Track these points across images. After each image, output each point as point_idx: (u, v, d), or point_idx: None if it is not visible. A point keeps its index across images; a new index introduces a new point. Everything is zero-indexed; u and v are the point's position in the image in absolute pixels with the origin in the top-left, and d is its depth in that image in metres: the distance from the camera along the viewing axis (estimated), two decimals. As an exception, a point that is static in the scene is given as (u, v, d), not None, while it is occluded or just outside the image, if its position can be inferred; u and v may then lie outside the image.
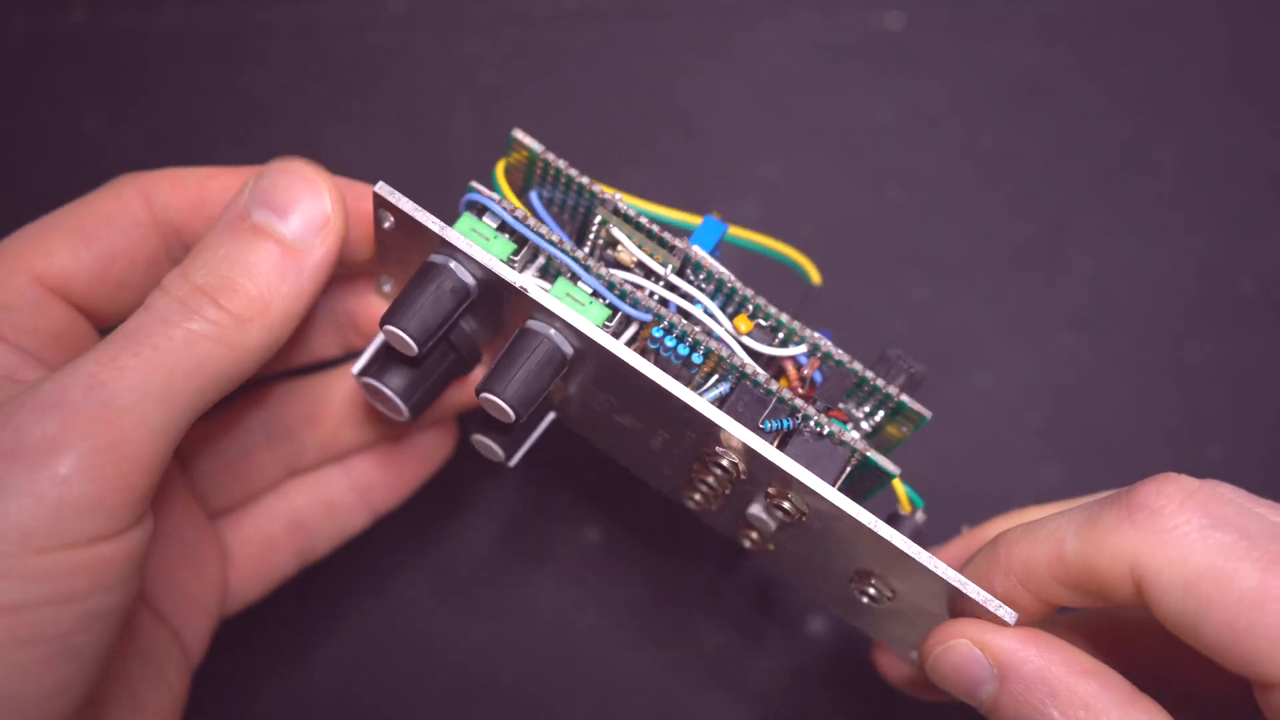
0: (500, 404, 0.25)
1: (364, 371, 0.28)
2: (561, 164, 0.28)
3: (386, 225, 0.27)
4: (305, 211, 0.26)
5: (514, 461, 0.28)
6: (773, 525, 0.28)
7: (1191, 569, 0.22)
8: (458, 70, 0.41)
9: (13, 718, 0.21)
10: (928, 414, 0.29)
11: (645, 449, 0.28)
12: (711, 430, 0.26)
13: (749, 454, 0.26)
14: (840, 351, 0.28)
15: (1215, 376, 0.39)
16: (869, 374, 0.28)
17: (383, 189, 0.26)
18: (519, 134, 0.28)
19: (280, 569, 0.33)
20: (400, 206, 0.26)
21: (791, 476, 0.26)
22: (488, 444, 0.28)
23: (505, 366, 0.26)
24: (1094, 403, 0.40)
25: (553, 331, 0.26)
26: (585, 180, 0.28)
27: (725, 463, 0.26)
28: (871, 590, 0.28)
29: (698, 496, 0.28)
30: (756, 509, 0.28)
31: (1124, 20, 0.40)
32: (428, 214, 0.26)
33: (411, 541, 0.39)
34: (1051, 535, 0.25)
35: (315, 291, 0.26)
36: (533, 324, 0.26)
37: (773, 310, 0.29)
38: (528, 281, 0.25)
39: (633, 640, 0.38)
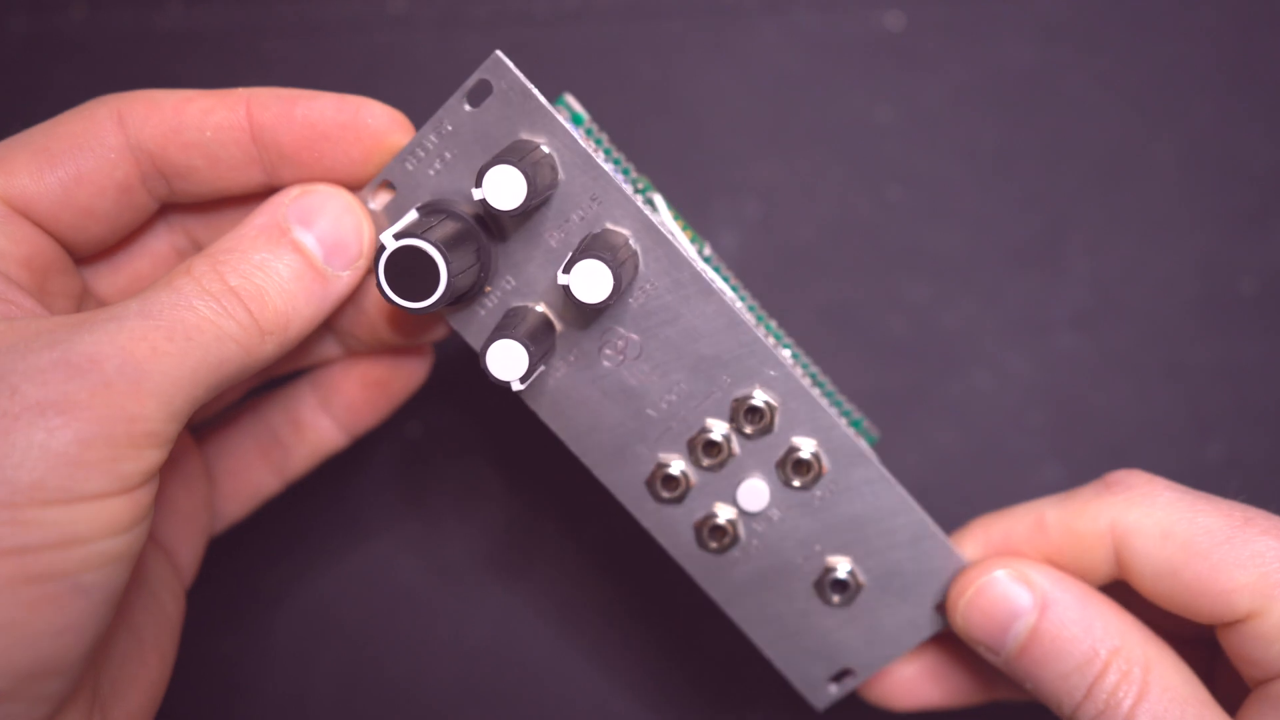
0: (603, 272, 0.25)
1: (405, 234, 0.25)
2: (604, 136, 0.29)
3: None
4: (344, 242, 0.26)
5: (526, 383, 0.26)
6: (764, 501, 0.28)
7: (1166, 519, 0.25)
8: (458, 70, 0.41)
9: (28, 652, 0.21)
10: (877, 434, 0.32)
11: (631, 422, 0.28)
12: (767, 360, 0.27)
13: (796, 391, 0.27)
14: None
15: (1215, 376, 0.39)
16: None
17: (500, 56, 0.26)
18: (570, 98, 0.29)
19: (260, 486, 0.32)
20: (519, 76, 0.26)
21: (831, 418, 0.28)
22: (513, 351, 0.26)
23: (594, 251, 0.25)
24: (1094, 403, 0.40)
25: (631, 238, 0.26)
26: (621, 156, 0.29)
27: (761, 402, 0.27)
28: (841, 575, 0.28)
29: (678, 472, 0.28)
30: (754, 481, 0.28)
31: (1124, 20, 0.40)
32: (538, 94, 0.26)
33: (412, 540, 0.39)
34: (1030, 509, 0.27)
35: (324, 318, 0.26)
36: (610, 225, 0.27)
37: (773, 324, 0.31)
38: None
39: (633, 641, 0.38)
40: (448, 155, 0.27)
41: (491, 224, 0.27)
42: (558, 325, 0.28)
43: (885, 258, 0.40)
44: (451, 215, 0.27)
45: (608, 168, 0.27)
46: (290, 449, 0.32)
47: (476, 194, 0.25)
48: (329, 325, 0.30)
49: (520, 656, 0.38)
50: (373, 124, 0.27)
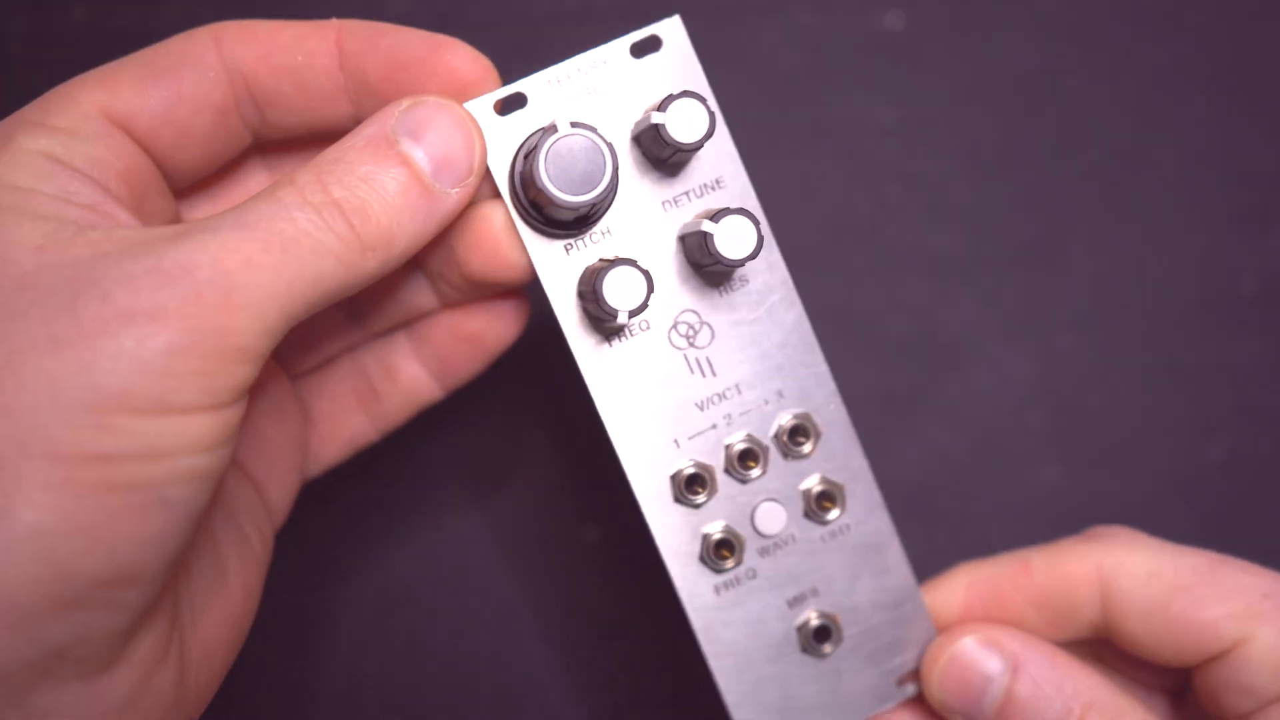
0: (749, 231, 0.26)
1: (578, 124, 0.25)
2: None
3: None
4: (454, 157, 0.26)
5: (633, 318, 0.26)
6: (779, 526, 0.28)
7: (1152, 559, 0.26)
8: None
9: (107, 559, 0.21)
10: None
11: (676, 410, 0.28)
12: (826, 388, 0.28)
13: (841, 426, 0.28)
14: None
15: (1215, 376, 0.39)
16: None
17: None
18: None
19: (357, 433, 0.32)
20: (689, 46, 0.27)
21: (864, 463, 0.28)
22: (634, 281, 0.26)
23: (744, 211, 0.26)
24: (1094, 403, 0.40)
25: None
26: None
27: (809, 425, 0.28)
28: (825, 625, 0.28)
29: (705, 474, 0.28)
30: (774, 505, 0.28)
31: (1124, 20, 0.40)
32: None
33: (415, 539, 0.39)
34: (1015, 557, 0.28)
35: (429, 239, 0.26)
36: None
37: None
38: None
39: (636, 644, 0.38)
40: (591, 89, 0.27)
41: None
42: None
43: (885, 258, 0.40)
44: (601, 137, 0.26)
45: (742, 166, 0.27)
46: (386, 398, 0.32)
47: (656, 117, 0.25)
48: (424, 269, 0.30)
49: (521, 656, 0.38)
50: (455, 63, 0.26)
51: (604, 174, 0.25)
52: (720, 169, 0.27)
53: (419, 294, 0.31)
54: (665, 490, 0.28)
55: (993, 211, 0.40)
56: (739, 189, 0.28)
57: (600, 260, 0.27)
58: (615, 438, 0.28)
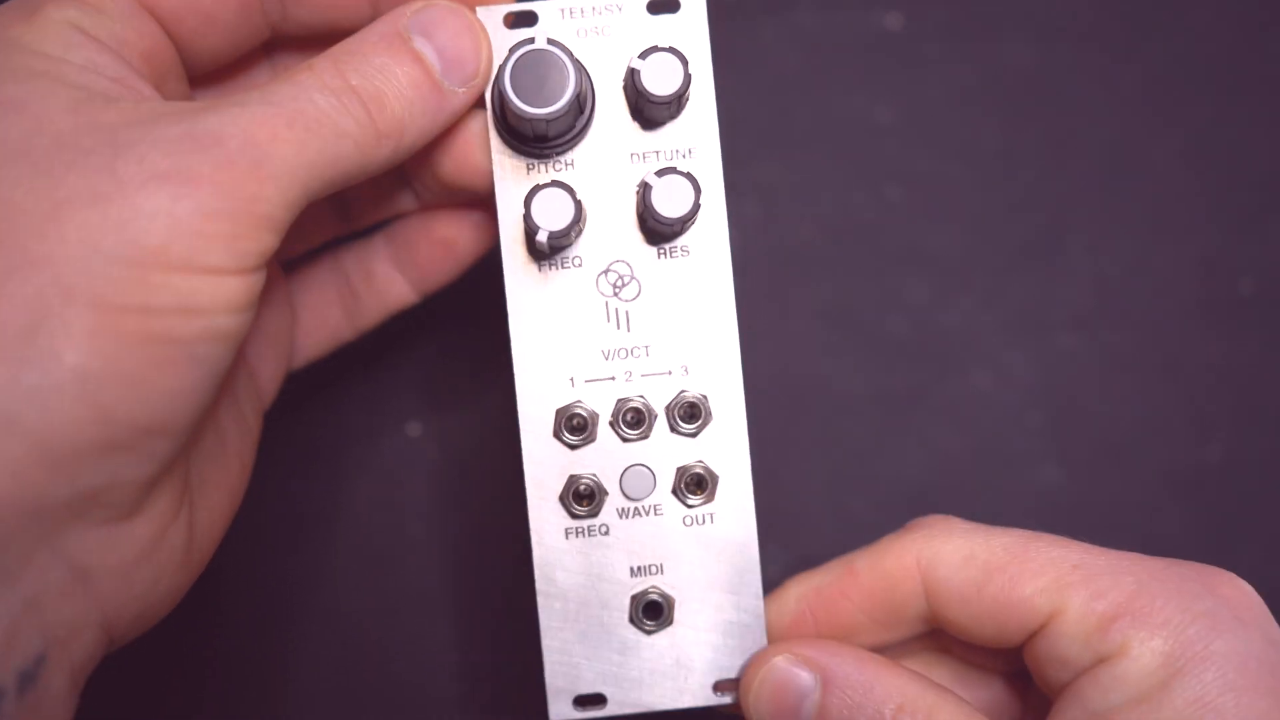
0: (688, 194, 0.27)
1: (553, 41, 0.27)
2: None
3: None
4: (463, 58, 0.27)
5: (551, 242, 0.27)
6: (644, 493, 0.28)
7: (965, 545, 0.27)
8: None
9: (145, 407, 0.23)
10: None
11: (582, 353, 0.28)
12: (731, 380, 0.28)
13: (734, 421, 0.28)
14: None
15: (1215, 376, 0.39)
16: None
17: None
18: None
19: (336, 329, 0.33)
20: (704, 19, 0.28)
21: (746, 460, 0.28)
22: (563, 205, 0.27)
23: (689, 176, 0.27)
24: (1094, 403, 0.40)
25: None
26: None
27: (701, 406, 0.28)
28: (659, 601, 0.28)
29: (589, 419, 0.28)
30: (645, 471, 0.28)
31: (1124, 20, 0.40)
32: None
33: (412, 538, 0.39)
34: (840, 561, 0.29)
35: (435, 134, 0.27)
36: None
37: None
38: None
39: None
40: (599, 29, 0.28)
41: (589, 106, 0.28)
42: (584, 225, 0.28)
43: (885, 258, 0.40)
44: (582, 70, 0.27)
45: (718, 144, 0.28)
46: (363, 299, 0.33)
47: (634, 63, 0.26)
48: (403, 168, 0.31)
49: (523, 655, 0.38)
50: None
51: (565, 92, 0.26)
52: (695, 138, 0.28)
53: (399, 193, 0.32)
54: (548, 422, 0.28)
55: (993, 211, 0.40)
56: (708, 161, 0.28)
57: (550, 180, 0.28)
58: (516, 356, 0.28)
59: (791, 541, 0.39)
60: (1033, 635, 0.27)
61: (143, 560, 0.24)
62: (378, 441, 0.39)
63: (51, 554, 0.23)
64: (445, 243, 0.32)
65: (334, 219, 0.33)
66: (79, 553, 0.23)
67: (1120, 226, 0.40)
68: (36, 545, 0.22)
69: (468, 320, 0.35)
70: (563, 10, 0.28)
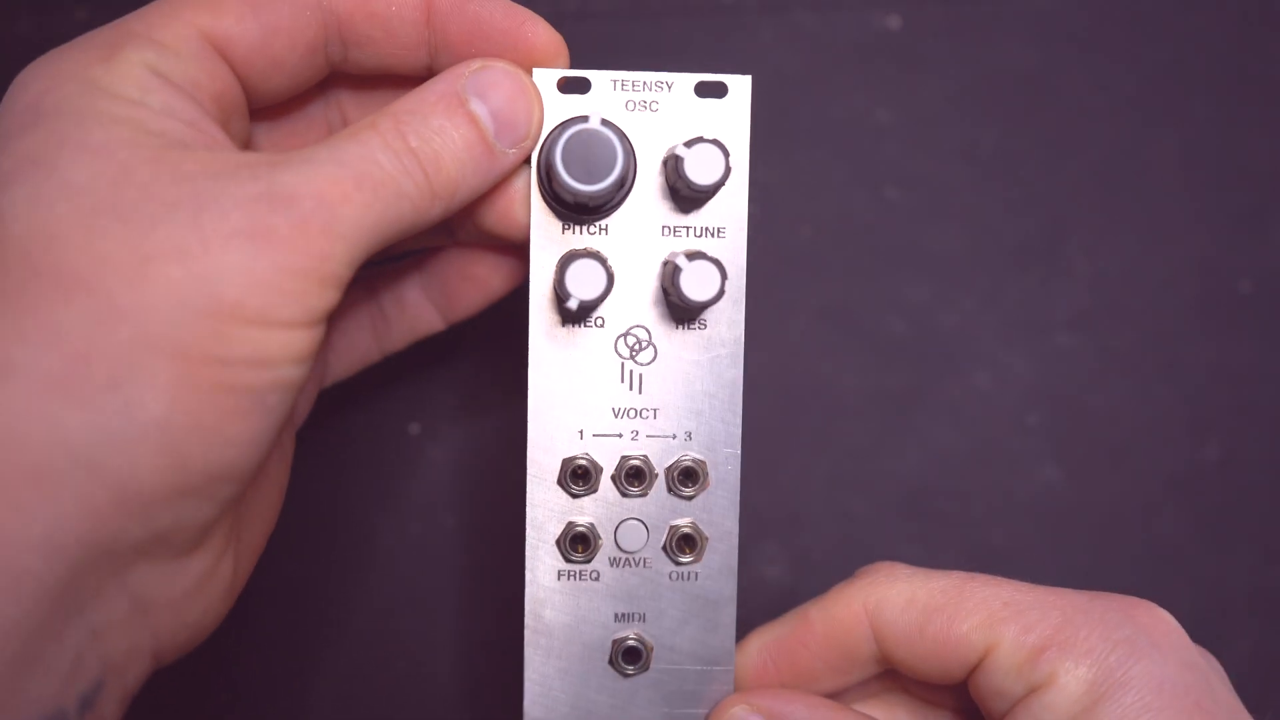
0: (715, 281, 0.28)
1: (607, 122, 0.28)
2: None
3: None
4: (516, 121, 0.28)
5: (578, 309, 0.28)
6: (636, 547, 0.30)
7: (907, 589, 0.29)
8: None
9: (217, 455, 0.24)
10: None
11: (593, 409, 0.30)
12: (731, 444, 0.30)
13: (729, 485, 0.30)
14: None
15: (1215, 376, 0.39)
16: None
17: None
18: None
19: (365, 352, 0.34)
20: (748, 109, 0.29)
21: (735, 527, 0.30)
22: (595, 275, 0.28)
23: (718, 262, 0.29)
24: (1094, 403, 0.40)
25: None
26: None
27: (699, 470, 0.29)
28: (636, 647, 0.30)
29: (593, 471, 0.29)
30: (640, 527, 0.30)
31: (1123, 20, 0.40)
32: None
33: (413, 539, 0.39)
34: (795, 612, 0.31)
35: (484, 192, 0.28)
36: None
37: None
38: None
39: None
40: (647, 104, 0.29)
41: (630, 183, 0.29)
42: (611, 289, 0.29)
43: (885, 258, 0.40)
44: (627, 145, 0.28)
45: (745, 228, 0.29)
46: (393, 324, 0.34)
47: (679, 150, 0.27)
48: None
49: (522, 654, 0.38)
50: (532, 38, 0.28)
51: (611, 173, 0.27)
52: (727, 222, 0.29)
53: (438, 231, 0.33)
54: (554, 469, 0.30)
55: (992, 211, 0.40)
56: (735, 243, 0.29)
57: (578, 249, 0.29)
58: (531, 404, 0.30)
59: (791, 541, 0.39)
60: (973, 671, 0.28)
61: (196, 592, 0.26)
62: (378, 441, 0.39)
63: (118, 588, 0.24)
64: (475, 279, 0.33)
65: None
66: (141, 587, 0.24)
67: (1119, 226, 0.40)
68: (106, 581, 0.23)
69: (468, 321, 0.35)
70: (615, 82, 0.29)
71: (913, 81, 0.40)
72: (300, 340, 0.24)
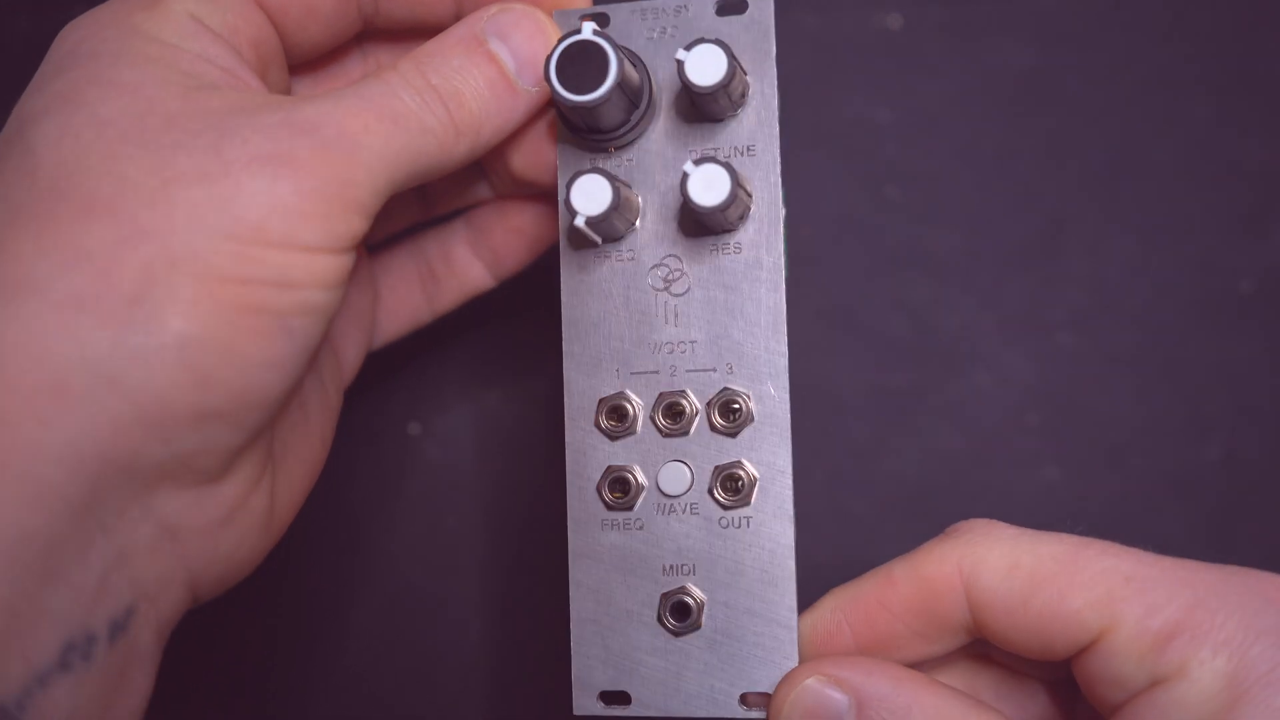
0: (724, 182, 0.26)
1: (599, 33, 0.27)
2: None
3: None
4: (535, 59, 0.28)
5: (588, 226, 0.27)
6: (679, 490, 0.28)
7: (1011, 553, 0.26)
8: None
9: (241, 376, 0.24)
10: None
11: (630, 343, 0.29)
12: (777, 378, 0.28)
13: (778, 420, 0.28)
14: None
15: (1213, 376, 0.39)
16: None
17: None
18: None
19: (415, 311, 0.35)
20: (772, 19, 0.29)
21: (788, 464, 0.28)
22: (600, 188, 0.27)
23: (727, 166, 0.27)
24: (1094, 403, 0.40)
25: (754, 196, 0.29)
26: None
27: (743, 405, 0.28)
28: (688, 603, 0.27)
29: (630, 410, 0.28)
30: (683, 469, 0.28)
31: (1123, 20, 0.40)
32: None
33: (412, 539, 0.39)
34: (879, 570, 0.27)
35: (510, 131, 0.29)
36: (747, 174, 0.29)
37: None
38: None
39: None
40: (668, 31, 0.29)
41: (655, 103, 0.29)
42: (637, 220, 0.29)
43: (885, 258, 0.40)
44: (640, 65, 0.28)
45: (777, 143, 0.28)
46: (442, 282, 0.34)
47: (679, 53, 0.27)
48: (480, 162, 0.32)
49: (521, 654, 0.39)
50: None
51: (605, 81, 0.26)
52: (756, 137, 0.28)
53: (476, 183, 0.34)
54: (590, 410, 0.28)
55: (992, 211, 0.40)
56: (765, 164, 0.28)
57: (591, 166, 0.28)
58: (566, 344, 0.29)
59: (791, 541, 0.39)
60: (1082, 651, 0.25)
61: (227, 523, 0.26)
62: (378, 441, 0.39)
63: (143, 511, 0.24)
64: (518, 231, 0.33)
65: (415, 206, 0.35)
66: (168, 512, 0.24)
67: (1120, 226, 0.40)
68: (129, 501, 0.24)
69: (468, 320, 0.35)
70: (633, 11, 0.29)
71: (913, 81, 0.40)
72: (325, 265, 0.25)
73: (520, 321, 0.39)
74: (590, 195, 0.27)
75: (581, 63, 0.27)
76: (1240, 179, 0.40)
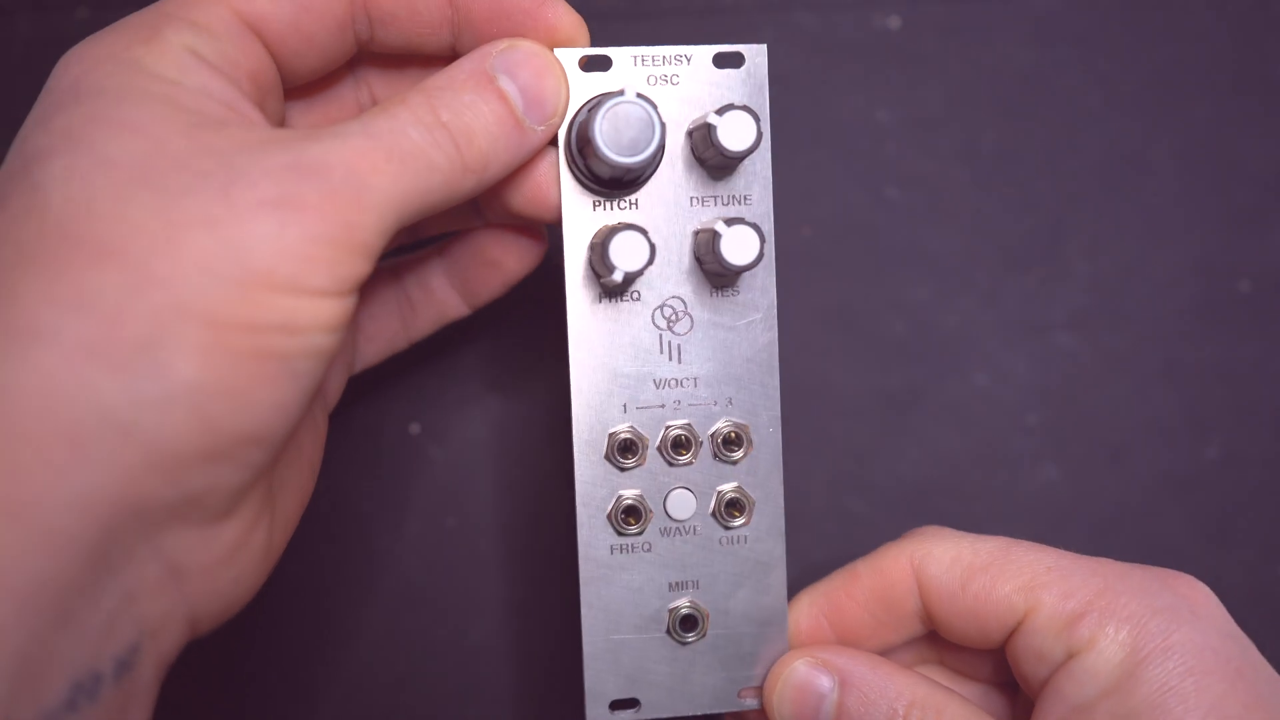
0: (754, 244, 0.28)
1: (643, 96, 0.28)
2: None
3: None
4: (543, 97, 0.29)
5: (623, 280, 0.29)
6: (686, 515, 0.30)
7: (954, 549, 0.30)
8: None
9: (244, 419, 0.24)
10: None
11: (635, 380, 0.30)
12: (771, 412, 0.30)
13: (771, 450, 0.30)
14: None
15: (1215, 376, 0.39)
16: None
17: None
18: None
19: (393, 338, 0.35)
20: (765, 75, 0.30)
21: (779, 489, 0.30)
22: (639, 247, 0.28)
23: (755, 226, 0.29)
24: (1093, 403, 0.40)
25: None
26: None
27: (738, 437, 0.30)
28: (693, 614, 0.30)
29: (639, 443, 0.30)
30: (687, 495, 0.30)
31: (1123, 20, 0.40)
32: None
33: (412, 539, 0.39)
34: (845, 570, 0.31)
35: (514, 168, 0.29)
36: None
37: None
38: None
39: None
40: (667, 78, 0.30)
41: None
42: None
43: (885, 258, 0.40)
44: (659, 114, 0.29)
45: (771, 192, 0.30)
46: (419, 310, 0.35)
47: (711, 119, 0.28)
48: (476, 197, 0.32)
49: (523, 654, 0.39)
50: (553, 19, 0.29)
51: (650, 145, 0.28)
52: (752, 188, 0.30)
53: (466, 213, 0.34)
54: (600, 444, 0.30)
55: (992, 212, 0.40)
56: (761, 210, 0.30)
57: (620, 223, 0.29)
58: (574, 381, 0.30)
59: (791, 541, 0.39)
60: (1011, 633, 0.29)
61: (229, 560, 0.26)
62: (378, 441, 0.39)
63: (151, 551, 0.24)
64: (492, 263, 0.34)
65: (402, 232, 0.35)
66: (174, 551, 0.25)
67: (1119, 227, 0.40)
68: (139, 542, 0.24)
69: (468, 320, 0.35)
70: (635, 58, 0.30)
71: (913, 81, 0.40)
72: (330, 309, 0.25)
73: (521, 322, 0.40)
74: (630, 252, 0.28)
75: (626, 123, 0.28)
76: (1240, 179, 0.40)
